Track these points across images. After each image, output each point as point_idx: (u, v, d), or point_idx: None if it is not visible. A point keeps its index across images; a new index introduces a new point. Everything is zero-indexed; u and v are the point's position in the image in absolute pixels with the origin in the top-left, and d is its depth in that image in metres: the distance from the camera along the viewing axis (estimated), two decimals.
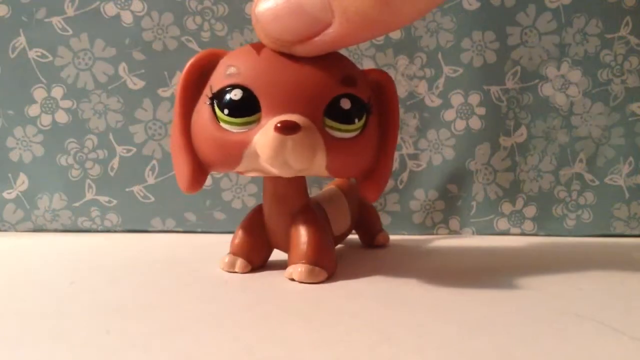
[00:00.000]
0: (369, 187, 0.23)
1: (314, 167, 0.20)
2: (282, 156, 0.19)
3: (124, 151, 0.38)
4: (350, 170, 0.22)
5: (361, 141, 0.21)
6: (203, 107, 0.21)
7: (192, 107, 0.21)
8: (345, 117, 0.21)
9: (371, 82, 0.23)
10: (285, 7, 0.19)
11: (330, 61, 0.21)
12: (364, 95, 0.21)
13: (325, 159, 0.20)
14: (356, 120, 0.21)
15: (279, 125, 0.19)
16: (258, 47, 0.21)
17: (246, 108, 0.20)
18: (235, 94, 0.20)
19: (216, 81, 0.21)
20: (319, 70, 0.20)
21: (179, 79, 0.21)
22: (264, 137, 0.19)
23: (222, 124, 0.20)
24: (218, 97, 0.20)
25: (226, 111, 0.20)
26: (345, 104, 0.21)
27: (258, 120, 0.20)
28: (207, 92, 0.21)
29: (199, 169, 0.22)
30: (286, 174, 0.20)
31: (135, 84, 0.37)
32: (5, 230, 0.38)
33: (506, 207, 0.38)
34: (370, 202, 0.24)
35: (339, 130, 0.21)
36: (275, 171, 0.20)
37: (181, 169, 0.22)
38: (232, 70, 0.20)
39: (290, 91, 0.20)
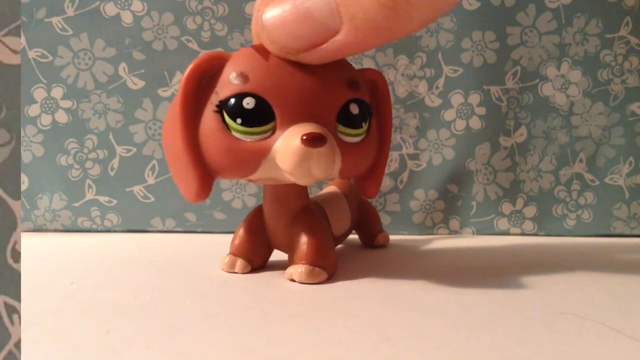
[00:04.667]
0: (370, 184, 0.24)
1: (332, 173, 0.20)
2: (307, 167, 0.19)
3: (124, 151, 0.38)
4: (358, 171, 0.23)
5: (367, 143, 0.22)
6: (210, 115, 0.20)
7: (196, 114, 0.20)
8: (355, 122, 0.21)
9: (368, 82, 0.23)
10: (292, 14, 0.18)
11: (335, 65, 0.20)
12: (366, 98, 0.22)
13: (340, 164, 0.20)
14: (363, 124, 0.21)
15: (305, 137, 0.18)
16: (262, 50, 0.20)
17: (260, 117, 0.19)
18: (248, 103, 0.19)
19: (223, 88, 0.20)
20: (328, 76, 0.20)
21: (179, 79, 0.20)
22: (286, 147, 0.19)
23: (233, 132, 0.19)
24: (227, 105, 0.19)
25: (239, 120, 0.19)
26: (354, 108, 0.21)
27: (273, 129, 0.20)
28: (213, 100, 0.20)
29: (207, 178, 0.21)
30: (307, 183, 0.20)
31: (135, 84, 0.37)
32: None
33: (506, 207, 0.38)
34: (371, 198, 0.24)
35: (350, 135, 0.21)
36: (295, 180, 0.20)
37: (186, 179, 0.21)
38: (240, 76, 0.19)
39: (305, 99, 0.20)
